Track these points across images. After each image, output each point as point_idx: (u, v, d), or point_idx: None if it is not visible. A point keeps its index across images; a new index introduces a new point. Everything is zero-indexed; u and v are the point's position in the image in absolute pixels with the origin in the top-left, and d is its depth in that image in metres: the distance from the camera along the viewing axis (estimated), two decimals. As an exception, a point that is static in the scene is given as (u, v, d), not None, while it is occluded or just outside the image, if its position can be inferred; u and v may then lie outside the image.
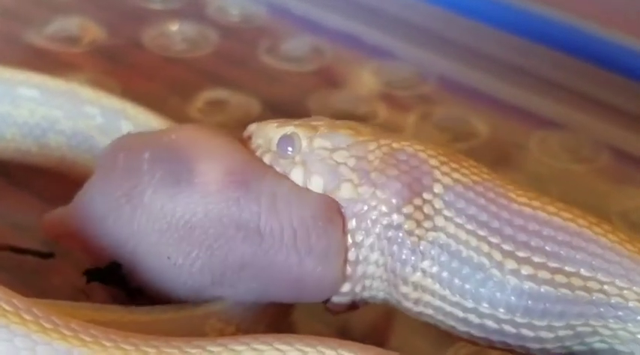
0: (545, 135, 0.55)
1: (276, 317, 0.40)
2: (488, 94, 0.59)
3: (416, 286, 0.37)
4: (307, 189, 0.37)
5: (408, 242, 0.36)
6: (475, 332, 0.37)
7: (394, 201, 0.36)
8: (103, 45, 0.60)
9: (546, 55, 0.60)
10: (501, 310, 0.36)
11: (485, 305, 0.36)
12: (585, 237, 0.36)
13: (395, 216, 0.36)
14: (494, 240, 0.36)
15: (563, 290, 0.36)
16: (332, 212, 0.36)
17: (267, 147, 0.39)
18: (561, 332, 0.36)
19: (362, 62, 0.61)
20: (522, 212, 0.36)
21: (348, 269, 0.37)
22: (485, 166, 0.39)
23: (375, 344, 0.35)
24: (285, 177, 0.38)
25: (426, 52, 0.62)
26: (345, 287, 0.37)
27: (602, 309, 0.36)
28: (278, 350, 0.33)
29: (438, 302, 0.37)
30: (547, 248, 0.36)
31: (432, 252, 0.36)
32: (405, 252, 0.36)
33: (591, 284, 0.36)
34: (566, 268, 0.36)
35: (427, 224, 0.36)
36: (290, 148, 0.38)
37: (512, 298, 0.36)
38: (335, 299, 0.38)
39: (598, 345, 0.37)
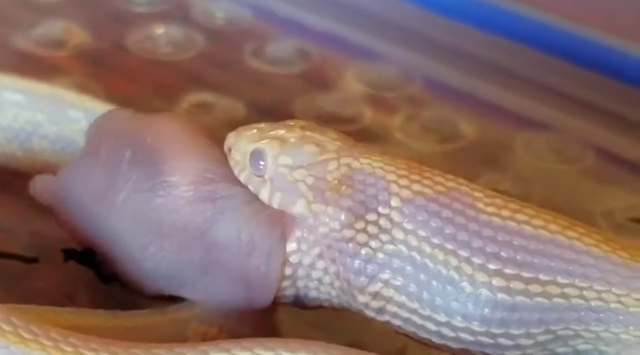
0: (530, 136, 0.55)
1: (260, 319, 0.40)
2: (475, 96, 0.59)
3: (375, 295, 0.37)
4: (258, 202, 0.39)
5: (362, 253, 0.37)
6: (452, 345, 0.37)
7: (343, 217, 0.37)
8: (88, 48, 0.60)
9: (532, 57, 0.60)
10: (475, 323, 0.36)
11: (459, 318, 0.36)
12: (558, 243, 0.36)
13: (345, 231, 0.37)
14: (463, 253, 0.36)
15: (539, 299, 0.35)
16: (276, 218, 0.38)
17: (244, 163, 0.39)
18: (541, 338, 0.36)
19: (348, 64, 0.61)
20: (491, 222, 0.36)
21: (289, 270, 0.38)
22: (452, 174, 0.38)
23: (358, 346, 0.35)
24: (239, 186, 0.39)
25: (412, 53, 0.62)
26: (285, 283, 0.38)
27: (582, 314, 0.36)
28: (259, 355, 0.33)
29: (406, 314, 0.37)
30: (519, 258, 0.36)
31: (394, 265, 0.36)
32: (357, 262, 0.37)
33: (569, 290, 0.35)
34: (541, 277, 0.35)
35: (384, 237, 0.37)
36: (262, 162, 0.39)
37: (486, 310, 0.36)
38: (280, 300, 0.39)
39: (582, 347, 0.36)
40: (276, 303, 0.39)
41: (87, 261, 0.42)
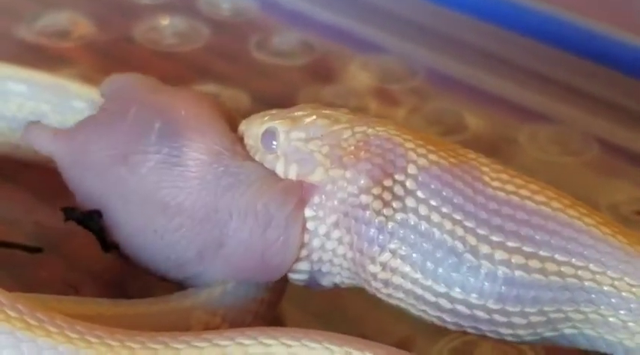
0: (535, 129, 0.55)
1: (263, 309, 0.40)
2: (479, 88, 0.59)
3: (384, 266, 0.37)
4: (274, 176, 0.38)
5: (376, 221, 0.37)
6: (446, 317, 0.37)
7: (362, 181, 0.37)
8: (94, 39, 0.60)
9: (537, 49, 0.60)
10: (474, 295, 0.36)
11: (458, 290, 0.36)
12: (560, 221, 0.36)
13: (363, 197, 0.37)
14: (469, 224, 0.36)
15: (537, 276, 0.36)
16: (293, 189, 0.38)
17: (256, 145, 0.39)
18: (533, 318, 0.36)
19: (352, 56, 0.61)
20: (496, 196, 0.36)
21: (306, 237, 0.38)
22: (462, 147, 0.39)
23: (360, 335, 0.35)
24: (257, 163, 0.39)
25: (416, 45, 0.62)
26: (302, 253, 0.38)
27: (575, 293, 0.36)
28: (263, 344, 0.33)
29: (409, 285, 0.37)
30: (521, 232, 0.36)
31: (401, 233, 0.36)
32: (372, 231, 0.37)
33: (565, 268, 0.36)
34: (541, 253, 0.36)
35: (396, 204, 0.37)
36: (274, 142, 0.39)
37: (486, 284, 0.36)
38: (292, 275, 0.38)
39: (568, 331, 0.37)
40: (286, 281, 0.39)
41: (89, 223, 0.41)
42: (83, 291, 0.43)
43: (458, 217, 0.36)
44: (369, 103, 0.57)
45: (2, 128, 0.47)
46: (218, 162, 0.39)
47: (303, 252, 0.38)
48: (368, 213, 0.37)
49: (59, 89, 0.47)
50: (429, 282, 0.36)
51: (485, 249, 0.36)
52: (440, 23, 0.62)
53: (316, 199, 0.37)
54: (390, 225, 0.37)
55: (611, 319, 0.36)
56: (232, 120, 0.41)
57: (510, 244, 0.36)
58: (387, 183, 0.37)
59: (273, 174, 0.39)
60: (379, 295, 0.38)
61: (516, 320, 0.36)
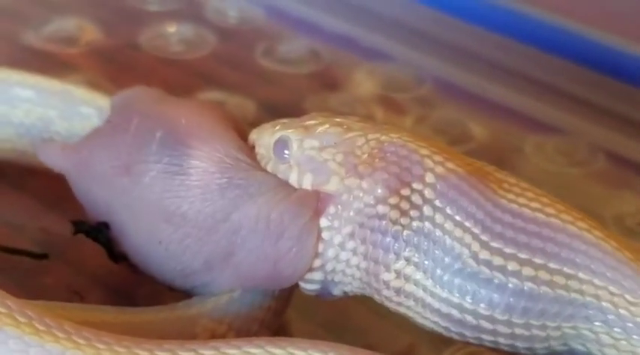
0: (541, 139, 0.55)
1: (269, 317, 0.40)
2: (485, 98, 0.59)
3: (399, 273, 0.37)
4: (288, 186, 0.38)
5: (392, 230, 0.36)
6: (452, 327, 0.37)
7: (379, 191, 0.37)
8: (100, 46, 0.60)
9: (544, 60, 0.60)
10: (482, 305, 0.36)
11: (469, 300, 0.36)
12: (569, 233, 0.36)
13: (380, 207, 0.37)
14: (485, 237, 0.36)
15: (545, 288, 0.36)
16: (308, 199, 0.38)
17: (268, 154, 0.39)
18: (535, 332, 0.36)
19: (359, 64, 0.61)
20: (510, 208, 0.36)
21: (320, 246, 0.37)
22: (469, 157, 0.38)
23: (365, 344, 0.35)
24: (268, 174, 0.39)
25: (423, 54, 0.62)
26: (316, 263, 0.37)
27: (575, 310, 0.36)
28: (270, 353, 0.33)
29: (420, 293, 0.36)
30: (532, 244, 0.36)
31: (415, 240, 0.36)
32: (388, 239, 0.36)
33: (572, 282, 0.36)
34: (551, 265, 0.36)
35: (413, 213, 0.36)
36: (286, 151, 0.39)
37: (495, 295, 0.36)
38: (304, 285, 0.38)
39: (560, 348, 0.37)
40: (292, 289, 0.39)
41: (97, 235, 0.41)
42: (89, 298, 0.43)
43: (473, 227, 0.36)
44: (375, 112, 0.57)
45: (9, 134, 0.47)
46: (222, 171, 0.39)
47: (317, 262, 0.38)
48: (384, 222, 0.37)
49: (66, 95, 0.47)
50: (439, 290, 0.36)
51: (498, 260, 0.36)
52: (447, 32, 0.62)
53: (332, 209, 0.37)
54: (406, 233, 0.36)
55: (603, 336, 0.36)
56: (240, 129, 0.41)
57: (522, 256, 0.36)
58: (405, 192, 0.37)
59: (284, 183, 0.38)
60: (388, 303, 0.37)
61: (519, 331, 0.36)
